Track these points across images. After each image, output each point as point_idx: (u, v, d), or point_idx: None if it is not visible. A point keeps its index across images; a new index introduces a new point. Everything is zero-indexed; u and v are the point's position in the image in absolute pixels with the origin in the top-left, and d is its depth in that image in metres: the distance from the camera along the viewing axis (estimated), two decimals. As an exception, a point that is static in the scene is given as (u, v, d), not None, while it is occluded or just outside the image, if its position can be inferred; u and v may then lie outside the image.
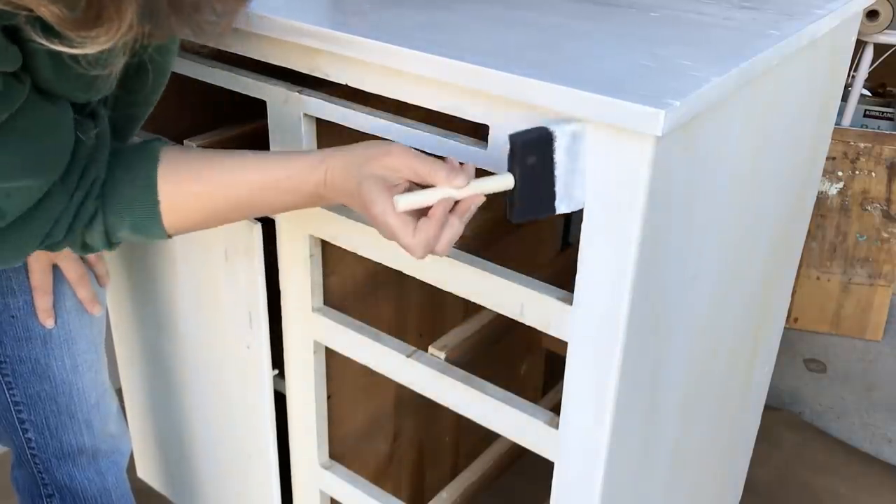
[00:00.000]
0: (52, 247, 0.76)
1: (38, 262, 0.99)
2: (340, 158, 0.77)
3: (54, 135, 0.70)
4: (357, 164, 0.75)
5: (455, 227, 0.74)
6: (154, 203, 0.76)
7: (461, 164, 0.75)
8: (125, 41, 0.57)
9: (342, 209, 0.99)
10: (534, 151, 0.69)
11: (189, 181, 0.78)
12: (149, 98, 0.87)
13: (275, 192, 0.80)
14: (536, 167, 0.69)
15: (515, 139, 0.69)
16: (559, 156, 0.70)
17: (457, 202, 0.73)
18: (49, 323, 1.01)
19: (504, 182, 0.70)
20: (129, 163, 0.77)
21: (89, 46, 0.56)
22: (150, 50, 0.79)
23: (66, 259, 1.02)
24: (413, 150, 0.75)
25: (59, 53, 0.67)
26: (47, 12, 0.54)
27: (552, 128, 0.69)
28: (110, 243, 0.77)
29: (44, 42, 0.57)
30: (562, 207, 0.73)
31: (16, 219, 0.70)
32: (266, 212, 0.85)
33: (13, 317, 0.99)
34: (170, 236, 0.80)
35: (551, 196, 0.71)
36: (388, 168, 0.74)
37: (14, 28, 0.62)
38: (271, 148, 1.01)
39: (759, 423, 1.59)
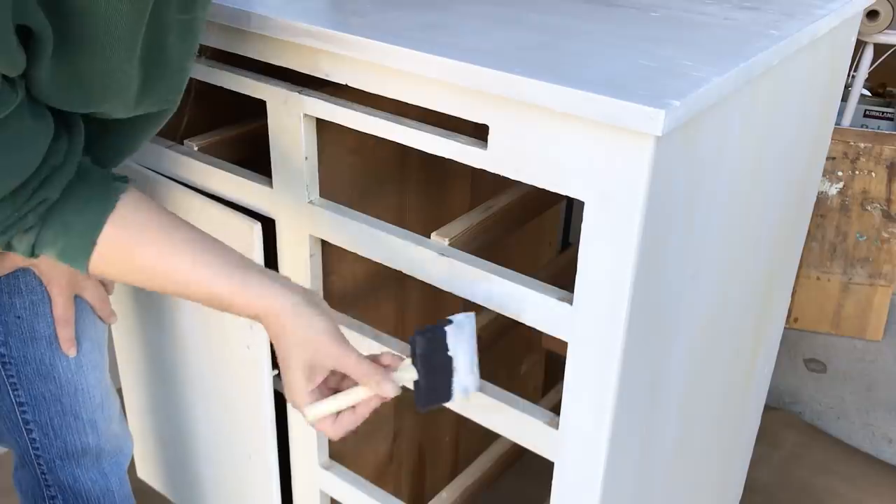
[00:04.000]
0: None
1: (62, 295, 0.99)
2: (288, 319, 0.77)
3: (29, 146, 0.68)
4: (298, 339, 0.77)
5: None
6: (90, 244, 0.74)
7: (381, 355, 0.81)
8: None
9: (342, 210, 0.99)
10: (431, 347, 0.78)
11: (133, 249, 0.76)
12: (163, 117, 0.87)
13: (206, 299, 0.79)
14: (434, 359, 0.79)
15: (415, 338, 0.78)
16: (453, 350, 0.79)
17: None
18: (72, 352, 1.01)
19: (410, 374, 0.79)
20: (89, 193, 0.74)
21: None
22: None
23: (88, 288, 1.02)
24: (351, 350, 0.78)
25: (63, 58, 0.66)
26: None
27: (446, 327, 0.79)
28: (33, 254, 0.75)
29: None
30: (457, 395, 0.81)
31: None
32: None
33: (19, 317, 0.99)
34: (87, 272, 0.77)
35: (449, 385, 0.80)
36: (326, 358, 0.77)
37: (29, 29, 0.62)
38: (272, 148, 1.01)
39: (759, 423, 1.59)
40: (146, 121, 0.85)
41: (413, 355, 0.79)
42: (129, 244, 0.76)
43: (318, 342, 0.77)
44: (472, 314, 0.81)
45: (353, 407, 0.79)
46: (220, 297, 0.78)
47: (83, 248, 0.74)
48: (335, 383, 0.81)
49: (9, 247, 0.75)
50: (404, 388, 0.81)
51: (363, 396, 0.78)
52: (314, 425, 0.80)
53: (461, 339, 0.80)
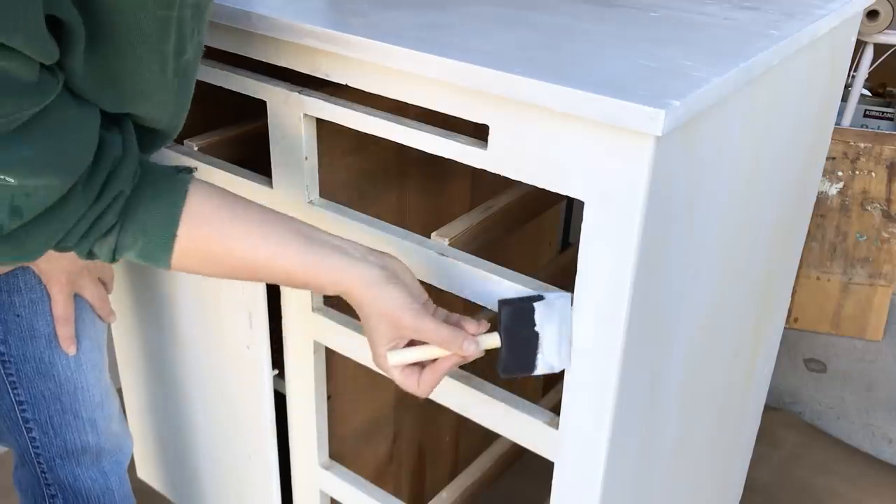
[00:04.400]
0: (62, 250, 0.75)
1: (62, 293, 0.99)
2: (364, 295, 0.78)
3: (78, 133, 0.68)
4: (376, 313, 0.79)
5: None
6: (171, 240, 0.74)
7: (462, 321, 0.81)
8: None
9: (342, 210, 0.99)
10: (517, 319, 0.79)
11: (211, 239, 0.76)
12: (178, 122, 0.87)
13: (285, 281, 0.81)
14: (520, 332, 0.79)
15: (501, 307, 0.79)
16: (540, 326, 0.79)
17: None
18: (71, 350, 1.01)
19: (494, 341, 0.80)
20: (157, 189, 0.75)
21: None
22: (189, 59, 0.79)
23: (87, 286, 1.02)
24: (428, 319, 0.78)
25: (95, 55, 0.67)
26: None
27: (535, 303, 0.79)
28: (114, 259, 0.76)
29: None
30: (541, 370, 0.81)
31: (31, 220, 0.68)
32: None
33: (18, 315, 0.99)
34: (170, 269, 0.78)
35: (533, 358, 0.80)
36: (404, 329, 0.79)
37: (59, 20, 0.62)
38: (272, 148, 1.01)
39: (759, 423, 1.59)
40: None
41: (498, 324, 0.80)
42: (205, 235, 0.76)
43: (395, 316, 0.78)
44: (567, 295, 0.81)
45: (434, 362, 0.81)
46: (297, 278, 0.79)
47: (163, 245, 0.74)
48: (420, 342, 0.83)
49: (90, 255, 0.75)
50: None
51: (444, 352, 0.80)
52: (401, 383, 0.82)
53: (550, 318, 0.80)
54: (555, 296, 0.80)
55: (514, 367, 0.81)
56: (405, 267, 0.82)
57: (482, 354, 0.80)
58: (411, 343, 0.81)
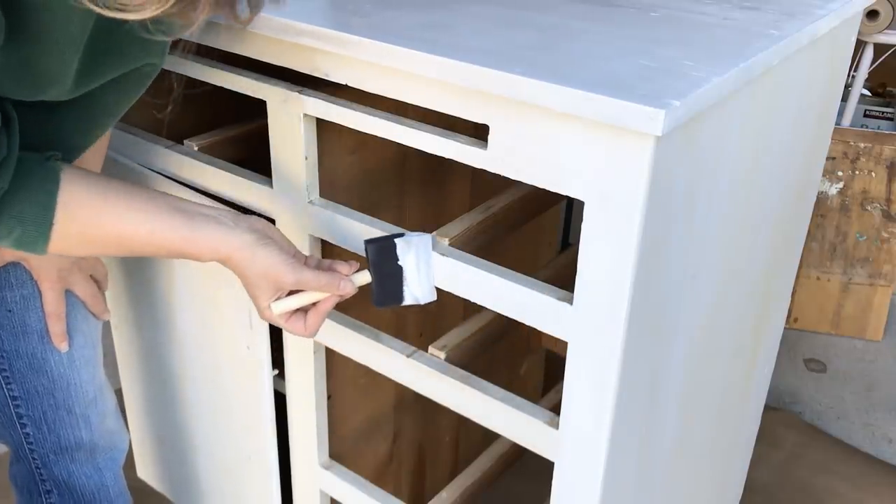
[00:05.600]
0: None
1: (53, 290, 0.99)
2: (242, 258, 0.82)
3: None
4: (256, 274, 0.83)
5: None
6: (48, 227, 0.74)
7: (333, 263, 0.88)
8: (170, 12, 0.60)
9: (342, 210, 0.99)
10: (382, 255, 0.86)
11: (87, 222, 0.77)
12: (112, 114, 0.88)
13: (166, 254, 0.83)
14: (385, 267, 0.86)
15: (367, 245, 0.86)
16: (402, 260, 0.86)
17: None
18: (63, 347, 1.02)
19: (365, 278, 0.88)
20: (30, 180, 0.75)
21: (133, 13, 0.59)
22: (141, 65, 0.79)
23: (78, 283, 1.03)
24: (304, 270, 0.84)
25: (16, 54, 0.67)
26: None
27: (395, 239, 0.86)
28: None
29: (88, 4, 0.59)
30: (408, 300, 0.88)
31: None
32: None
33: (10, 311, 0.99)
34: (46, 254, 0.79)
35: (400, 290, 0.88)
36: (284, 284, 0.84)
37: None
38: (272, 148, 1.01)
39: (759, 423, 1.59)
40: (120, 93, 0.85)
41: (367, 262, 0.87)
42: (82, 220, 0.77)
43: (275, 274, 0.83)
44: (427, 236, 0.87)
45: (316, 305, 0.87)
46: (174, 251, 0.82)
47: (41, 232, 0.75)
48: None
49: None
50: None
51: (323, 294, 0.87)
52: (289, 329, 0.88)
53: (409, 253, 0.86)
54: (414, 235, 0.87)
55: (385, 299, 0.87)
56: (270, 224, 0.86)
57: (357, 291, 0.86)
58: (291, 292, 0.86)
